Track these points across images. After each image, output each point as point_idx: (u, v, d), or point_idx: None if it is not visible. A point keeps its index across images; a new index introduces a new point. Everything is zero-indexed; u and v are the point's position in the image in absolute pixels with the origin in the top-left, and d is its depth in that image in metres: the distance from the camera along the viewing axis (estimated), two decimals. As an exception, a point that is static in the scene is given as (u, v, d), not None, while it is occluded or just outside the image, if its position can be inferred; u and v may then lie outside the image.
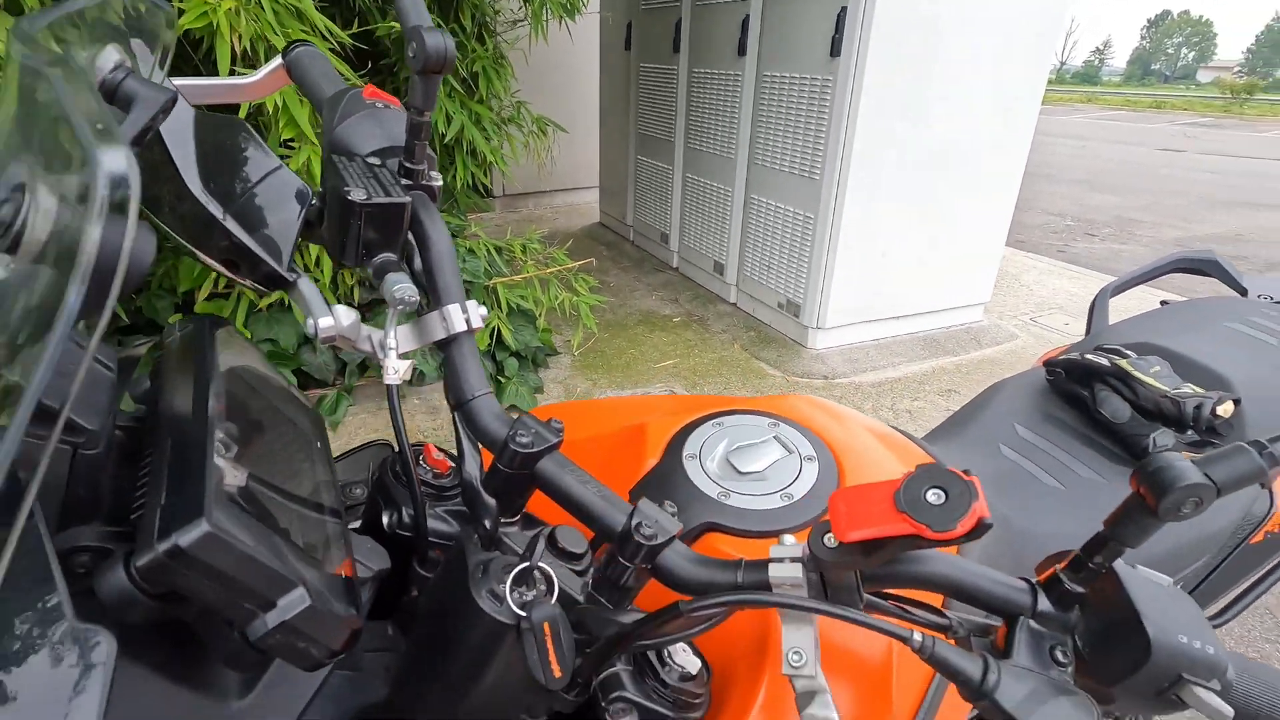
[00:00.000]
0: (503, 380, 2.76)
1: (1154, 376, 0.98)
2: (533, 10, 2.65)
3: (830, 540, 0.41)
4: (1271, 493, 0.97)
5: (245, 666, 0.39)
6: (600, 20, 4.70)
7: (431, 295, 0.51)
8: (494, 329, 2.70)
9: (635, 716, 0.46)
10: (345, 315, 0.49)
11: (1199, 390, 0.96)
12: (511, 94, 2.97)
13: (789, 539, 0.45)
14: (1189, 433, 0.96)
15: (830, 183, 2.99)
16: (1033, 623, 0.42)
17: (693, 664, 0.49)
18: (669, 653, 0.49)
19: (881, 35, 2.73)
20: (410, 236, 0.53)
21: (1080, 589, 0.42)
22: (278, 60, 0.64)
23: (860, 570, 0.43)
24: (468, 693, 0.46)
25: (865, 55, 2.74)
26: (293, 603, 0.34)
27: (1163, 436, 0.95)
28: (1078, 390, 1.05)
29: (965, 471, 0.37)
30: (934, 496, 0.37)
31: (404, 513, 0.53)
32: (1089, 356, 1.04)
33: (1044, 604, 0.42)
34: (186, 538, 0.30)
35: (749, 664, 0.53)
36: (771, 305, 3.53)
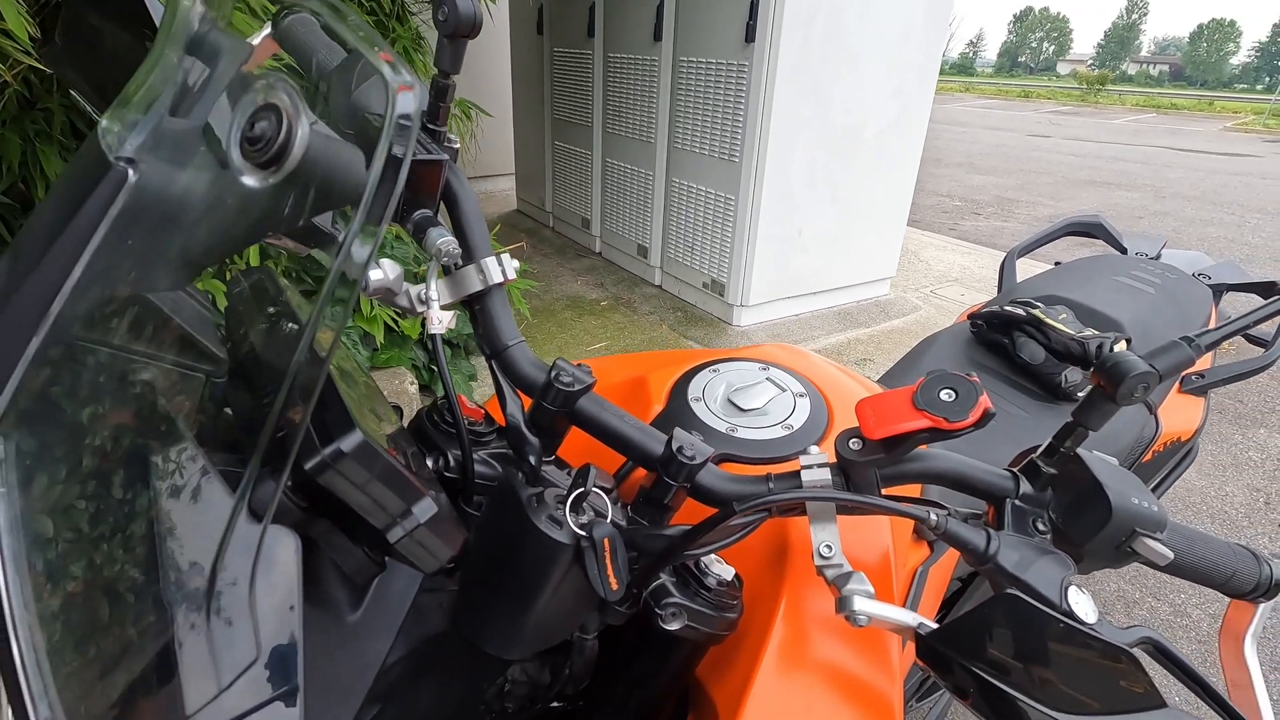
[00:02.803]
0: (435, 369, 2.72)
1: (1062, 323, 1.12)
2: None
3: (855, 443, 0.48)
4: (1157, 418, 1.14)
5: (363, 577, 0.41)
6: (509, 3, 4.64)
7: (465, 251, 0.54)
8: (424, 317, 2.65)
9: (685, 618, 0.51)
10: (391, 269, 0.51)
11: (1098, 333, 1.11)
12: (429, 75, 2.90)
13: (814, 449, 0.52)
14: (1091, 369, 1.10)
15: (750, 165, 3.12)
16: (1017, 502, 0.51)
17: (728, 572, 0.55)
18: (705, 564, 0.55)
19: (793, 22, 2.86)
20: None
21: (1053, 470, 0.51)
22: (267, 29, 0.64)
23: (878, 469, 0.49)
24: (529, 614, 0.50)
25: (779, 41, 2.87)
26: (424, 509, 0.38)
27: (1073, 374, 1.09)
28: (998, 338, 1.18)
29: (969, 374, 0.45)
30: (946, 395, 0.44)
31: (449, 456, 0.55)
32: (1007, 308, 1.17)
33: (1024, 487, 0.51)
34: (347, 443, 0.33)
35: (771, 575, 0.59)
36: (696, 285, 3.64)
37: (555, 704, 0.64)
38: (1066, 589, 0.45)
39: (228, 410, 0.38)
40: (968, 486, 0.52)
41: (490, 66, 5.34)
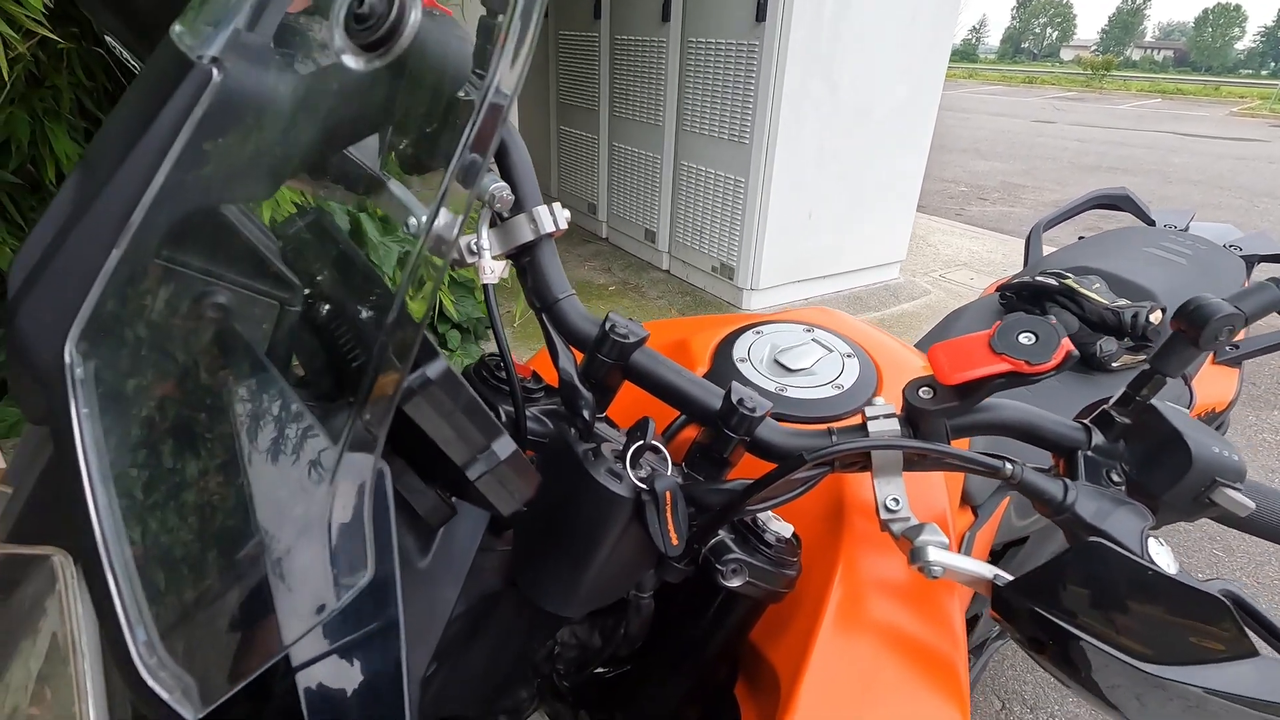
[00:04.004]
0: (446, 352, 2.71)
1: (1095, 292, 1.11)
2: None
3: (926, 391, 0.46)
4: (1192, 389, 1.12)
5: (436, 519, 0.40)
6: (514, -14, 4.58)
7: (516, 201, 0.52)
8: (435, 300, 2.64)
9: (746, 574, 0.50)
10: (444, 214, 0.49)
11: (1132, 302, 1.09)
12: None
13: (880, 400, 0.50)
14: (1125, 340, 1.09)
15: (760, 147, 3.08)
16: (1089, 454, 0.49)
17: (786, 529, 0.53)
18: (763, 522, 0.53)
19: (804, 1, 2.82)
20: None
21: (1127, 421, 0.49)
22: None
23: (949, 419, 0.48)
24: (587, 570, 0.48)
25: (790, 20, 2.83)
26: (504, 445, 0.36)
27: (1107, 344, 1.07)
28: (1029, 309, 1.16)
29: (1048, 317, 0.43)
30: (1025, 339, 0.43)
31: (501, 412, 0.54)
32: (1039, 278, 1.15)
33: (1097, 439, 0.50)
34: (433, 370, 0.31)
35: (828, 536, 0.58)
36: (705, 270, 3.62)
37: (601, 670, 0.63)
38: (1145, 539, 0.44)
39: (300, 338, 0.36)
40: (1039, 438, 0.50)
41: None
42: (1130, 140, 12.05)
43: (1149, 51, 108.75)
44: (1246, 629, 0.46)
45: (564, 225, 0.53)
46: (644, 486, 0.47)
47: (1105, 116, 16.84)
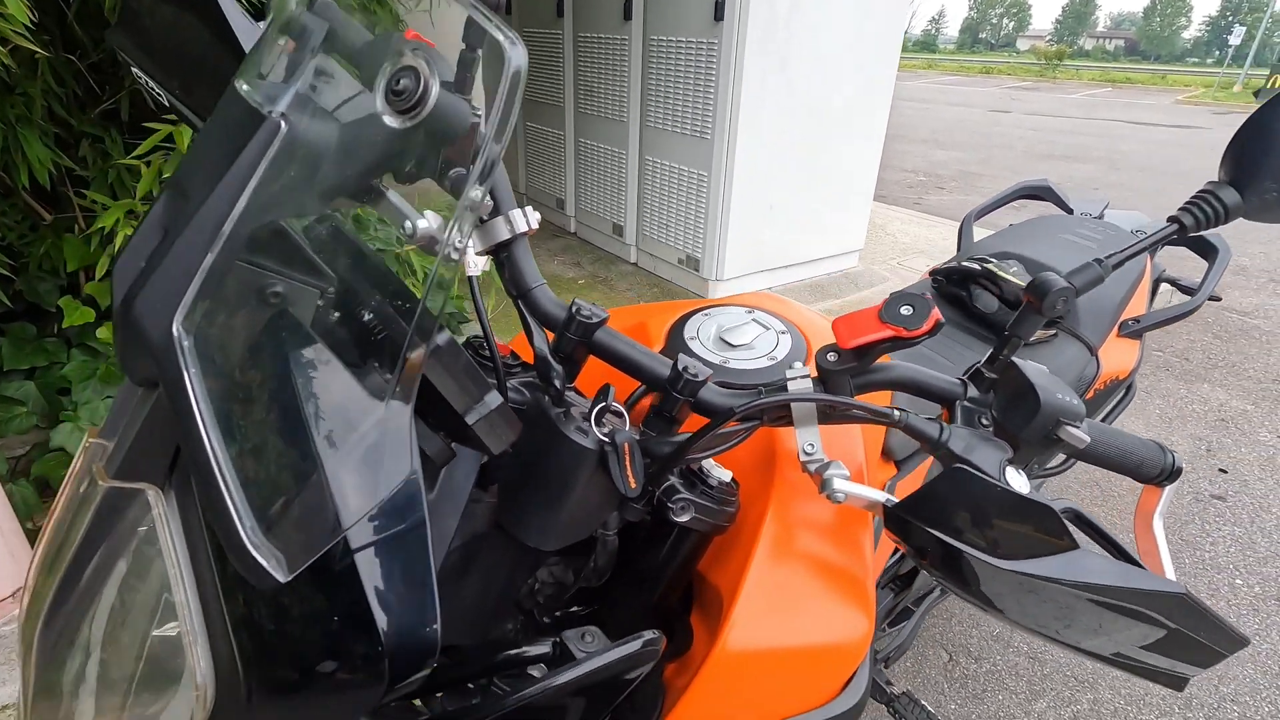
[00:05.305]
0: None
1: (1013, 275, 1.24)
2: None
3: (831, 355, 0.58)
4: (1098, 359, 1.26)
5: (441, 460, 0.50)
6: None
7: (495, 204, 0.62)
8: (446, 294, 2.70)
9: (693, 510, 0.61)
10: (434, 219, 0.58)
11: (1045, 283, 1.22)
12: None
13: (798, 364, 0.61)
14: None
15: (721, 141, 3.20)
16: (965, 403, 0.61)
17: (725, 474, 0.64)
18: (705, 468, 0.64)
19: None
20: None
21: (994, 376, 0.61)
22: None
23: (851, 377, 0.59)
24: (561, 510, 0.59)
25: (747, 18, 2.94)
26: (494, 397, 0.47)
27: (1022, 319, 1.20)
28: (957, 291, 1.29)
29: (924, 294, 0.54)
30: (905, 310, 0.54)
31: None
32: (964, 264, 1.28)
33: (971, 391, 0.61)
34: (441, 339, 0.41)
35: (761, 481, 0.69)
36: (672, 262, 3.73)
37: (575, 607, 0.74)
38: (1004, 468, 0.56)
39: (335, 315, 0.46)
40: (924, 390, 0.62)
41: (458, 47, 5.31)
42: (1082, 129, 12.47)
43: (1101, 41, 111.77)
44: (1082, 532, 0.58)
45: (535, 225, 0.63)
46: (607, 440, 0.57)
47: (1059, 105, 17.35)
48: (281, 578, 0.34)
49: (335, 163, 0.39)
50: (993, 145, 10.07)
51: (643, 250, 3.96)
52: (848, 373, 0.58)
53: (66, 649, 0.43)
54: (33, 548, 0.92)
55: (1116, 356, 1.29)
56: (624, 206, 3.93)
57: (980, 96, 19.33)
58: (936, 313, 0.53)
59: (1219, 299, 1.44)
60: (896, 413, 0.57)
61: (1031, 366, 0.61)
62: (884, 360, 0.60)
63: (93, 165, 1.96)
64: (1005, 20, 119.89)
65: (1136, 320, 1.34)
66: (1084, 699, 1.68)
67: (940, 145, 9.84)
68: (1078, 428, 0.58)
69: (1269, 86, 18.04)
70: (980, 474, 0.52)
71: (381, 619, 0.37)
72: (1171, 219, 0.65)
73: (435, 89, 0.38)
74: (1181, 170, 8.43)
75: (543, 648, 0.55)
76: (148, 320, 0.35)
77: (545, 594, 0.70)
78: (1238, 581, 2.04)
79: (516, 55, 0.36)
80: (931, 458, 1.04)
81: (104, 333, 1.95)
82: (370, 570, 0.37)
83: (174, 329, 0.34)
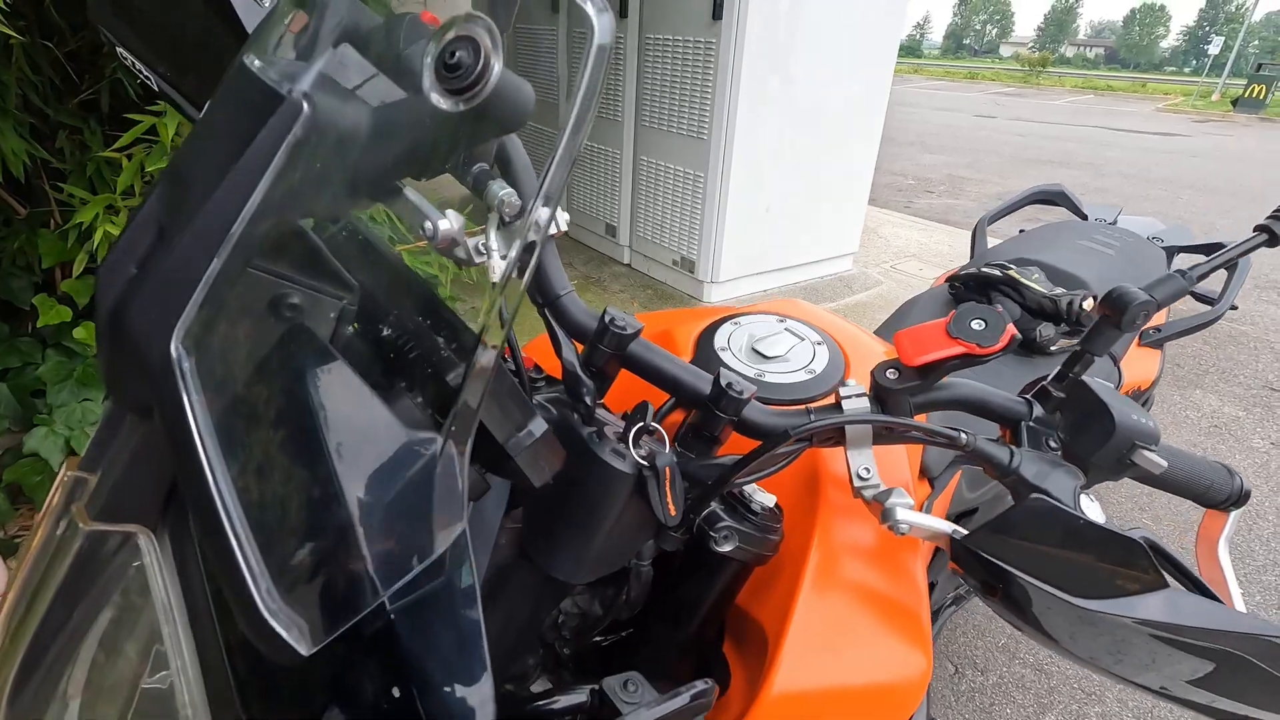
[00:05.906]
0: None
1: (1035, 282, 1.20)
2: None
3: (892, 372, 0.53)
4: (1120, 369, 1.23)
5: (474, 494, 0.44)
6: (468, -22, 4.54)
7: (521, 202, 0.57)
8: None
9: (736, 539, 0.56)
10: (455, 219, 0.53)
11: (1067, 291, 1.19)
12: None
13: (852, 382, 0.56)
14: (1062, 325, 1.19)
15: (719, 142, 3.15)
16: (1030, 424, 0.56)
17: (769, 499, 0.59)
18: (748, 493, 0.59)
19: (759, -1, 2.90)
20: None
21: (1061, 395, 0.57)
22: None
23: (911, 396, 0.55)
24: (594, 540, 0.53)
25: (746, 18, 2.90)
26: (539, 425, 0.41)
27: (1046, 329, 1.17)
28: (976, 298, 1.26)
29: (996, 306, 0.50)
30: (977, 325, 0.49)
31: None
32: (984, 270, 1.24)
33: (1037, 410, 0.57)
34: (485, 358, 0.36)
35: (805, 506, 0.64)
36: (666, 263, 3.68)
37: (599, 637, 0.68)
38: (1078, 496, 0.51)
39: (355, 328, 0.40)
40: (988, 411, 0.57)
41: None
42: (1066, 135, 12.60)
43: (1082, 49, 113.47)
44: (1161, 569, 0.54)
45: (564, 227, 0.58)
46: (645, 464, 0.52)
47: (1042, 111, 17.53)
48: (304, 650, 0.28)
49: (367, 153, 0.33)
50: (980, 150, 10.14)
51: (636, 251, 3.90)
52: (908, 391, 0.53)
53: (42, 709, 0.38)
54: (4, 560, 0.85)
55: (1139, 366, 1.27)
56: (618, 207, 3.87)
57: (966, 101, 19.50)
58: (1012, 328, 0.49)
59: (1236, 308, 1.42)
60: (963, 435, 0.53)
61: (1102, 385, 0.56)
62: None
63: (70, 157, 1.88)
64: (989, 27, 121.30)
65: (1158, 330, 1.31)
66: (1092, 711, 1.65)
67: (928, 149, 9.89)
68: (1154, 452, 0.54)
69: (1247, 96, 18.37)
70: (1059, 504, 0.47)
71: (426, 694, 0.32)
72: (1260, 228, 0.61)
73: (497, 66, 0.32)
74: (1164, 177, 8.53)
75: (578, 697, 0.49)
76: (141, 336, 0.29)
77: (570, 625, 0.65)
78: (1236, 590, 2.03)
79: (603, 25, 0.30)
80: (960, 472, 1.00)
81: (81, 332, 1.86)
82: (412, 634, 0.32)
83: (173, 347, 0.28)
